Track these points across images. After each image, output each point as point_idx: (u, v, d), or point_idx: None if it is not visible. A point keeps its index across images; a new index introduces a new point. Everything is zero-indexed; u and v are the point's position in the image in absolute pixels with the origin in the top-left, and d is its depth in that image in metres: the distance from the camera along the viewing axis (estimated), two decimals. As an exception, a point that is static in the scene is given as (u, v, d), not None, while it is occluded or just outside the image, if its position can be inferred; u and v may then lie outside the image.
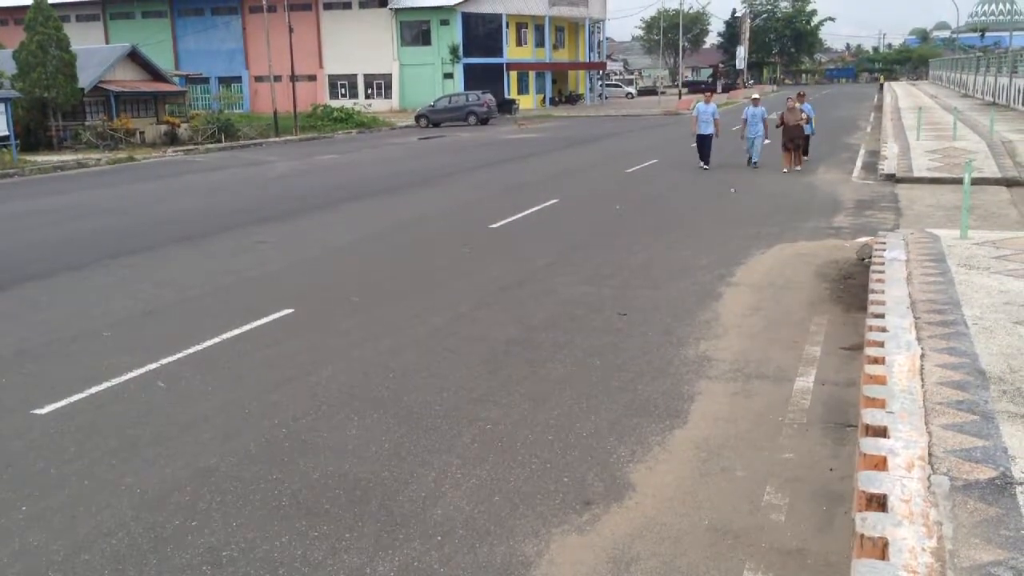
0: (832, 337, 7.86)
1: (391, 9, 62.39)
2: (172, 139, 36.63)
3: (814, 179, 19.02)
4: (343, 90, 63.76)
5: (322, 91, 62.51)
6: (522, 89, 66.88)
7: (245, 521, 4.92)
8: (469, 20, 61.89)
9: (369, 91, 63.93)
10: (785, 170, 19.94)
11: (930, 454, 4.39)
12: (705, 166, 21.28)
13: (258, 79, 63.22)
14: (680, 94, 71.46)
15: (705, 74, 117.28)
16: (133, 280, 11.24)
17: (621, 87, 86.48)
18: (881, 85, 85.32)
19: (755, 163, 21.08)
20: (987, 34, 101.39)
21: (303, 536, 4.74)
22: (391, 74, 63.57)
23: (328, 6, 63.69)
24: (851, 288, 9.42)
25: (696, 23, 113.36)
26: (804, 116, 20.42)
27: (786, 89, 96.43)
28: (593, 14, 75.92)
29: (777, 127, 20.83)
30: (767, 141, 21.57)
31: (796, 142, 20.21)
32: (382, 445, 5.86)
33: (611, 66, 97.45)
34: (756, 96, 22.29)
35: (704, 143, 21.54)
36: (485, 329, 8.47)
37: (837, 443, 5.69)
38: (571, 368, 7.29)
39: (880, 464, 4.29)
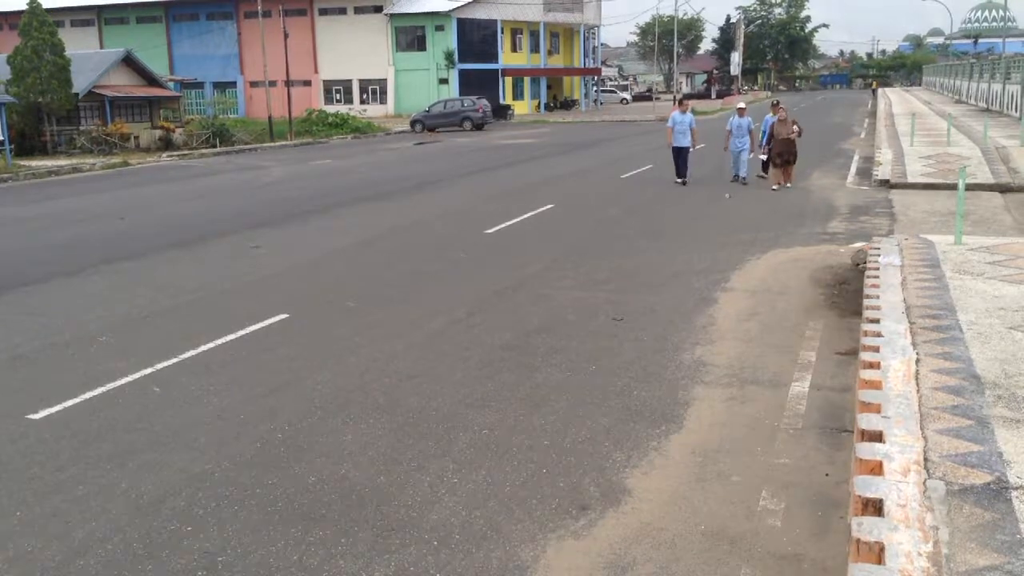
0: (827, 342, 7.87)
1: (386, 15, 62.44)
2: (167, 144, 36.59)
3: (808, 185, 19.06)
4: (338, 95, 63.77)
5: (317, 96, 62.49)
6: (517, 94, 67.00)
7: (241, 526, 4.91)
8: (464, 26, 61.98)
9: (364, 96, 63.95)
10: (775, 187, 18.26)
11: (926, 459, 4.40)
12: (681, 181, 19.53)
13: (253, 84, 63.19)
14: (675, 100, 71.59)
15: (699, 80, 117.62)
16: (128, 285, 11.22)
17: (616, 92, 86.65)
18: (874, 90, 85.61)
19: (743, 178, 19.32)
20: (980, 40, 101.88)
21: (299, 541, 4.73)
22: (386, 79, 63.60)
23: (323, 11, 63.72)
24: (846, 293, 9.44)
25: (691, 29, 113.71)
26: (796, 129, 18.44)
27: (781, 95, 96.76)
28: (588, 20, 76.07)
29: (763, 152, 19.05)
30: (752, 155, 19.58)
31: (786, 157, 18.33)
32: (378, 450, 5.85)
33: (606, 72, 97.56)
34: (742, 105, 20.39)
35: (681, 156, 19.61)
36: (481, 334, 8.47)
37: (833, 448, 5.69)
38: (567, 373, 7.29)
39: (876, 469, 4.30)
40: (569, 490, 5.22)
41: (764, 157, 19.13)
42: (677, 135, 19.50)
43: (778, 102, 19.60)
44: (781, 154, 18.29)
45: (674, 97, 75.56)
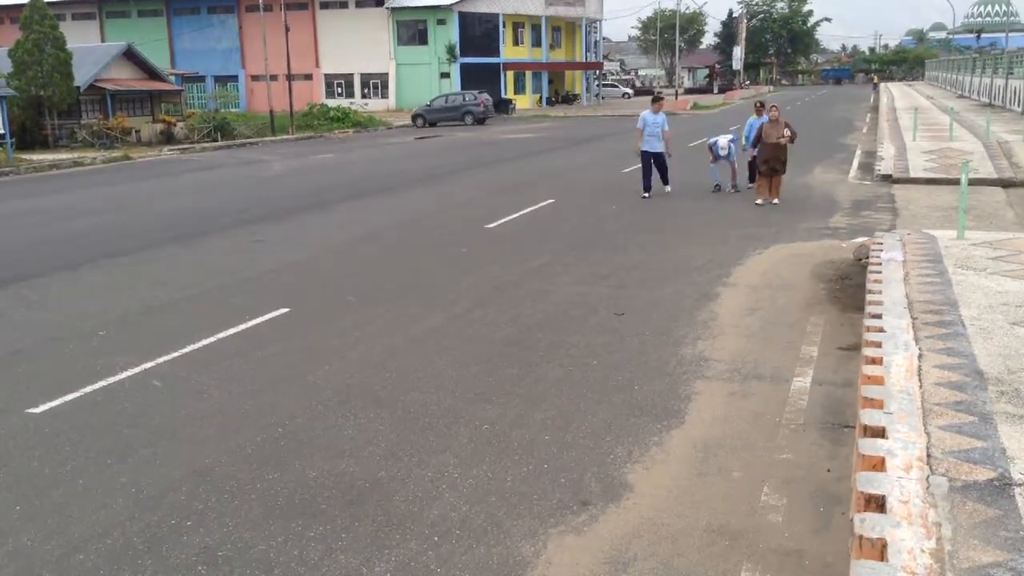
0: (829, 337, 7.85)
1: (388, 8, 62.35)
2: (168, 138, 36.58)
3: (810, 179, 19.02)
4: (339, 89, 63.72)
5: (318, 90, 62.45)
6: (518, 89, 66.93)
7: (241, 521, 4.90)
8: (466, 20, 61.89)
9: (365, 90, 63.90)
10: (759, 201, 15.59)
11: (928, 455, 4.38)
12: (647, 195, 16.81)
13: (254, 78, 63.17)
14: (676, 94, 71.48)
15: (702, 75, 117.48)
16: (128, 279, 11.21)
17: (617, 87, 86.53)
18: (875, 84, 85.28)
19: (728, 188, 17.28)
20: (983, 35, 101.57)
21: (299, 536, 4.72)
22: (387, 73, 63.55)
23: (324, 5, 63.62)
24: (848, 289, 9.42)
25: (693, 23, 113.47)
26: (788, 133, 15.51)
27: (783, 90, 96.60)
28: (590, 14, 75.96)
29: (749, 155, 16.80)
30: (746, 153, 17.18)
31: (773, 165, 15.48)
32: (379, 445, 5.84)
33: (608, 66, 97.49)
34: (729, 137, 17.21)
35: (650, 164, 16.92)
36: (481, 329, 8.45)
37: (834, 444, 5.68)
38: (568, 368, 7.27)
39: (878, 465, 4.28)
40: (570, 485, 5.21)
41: (749, 158, 16.87)
42: (649, 139, 16.90)
43: (763, 103, 17.20)
44: (768, 161, 15.52)
45: (675, 93, 75.40)
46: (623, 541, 4.59)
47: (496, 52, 63.92)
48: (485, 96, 48.58)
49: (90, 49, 38.24)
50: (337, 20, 63.46)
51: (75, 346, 8.29)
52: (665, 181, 17.30)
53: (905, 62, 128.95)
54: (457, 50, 61.06)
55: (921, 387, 5.29)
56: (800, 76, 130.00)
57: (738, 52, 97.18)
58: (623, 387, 6.79)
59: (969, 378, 5.46)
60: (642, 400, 6.51)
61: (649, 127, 16.96)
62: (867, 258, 9.44)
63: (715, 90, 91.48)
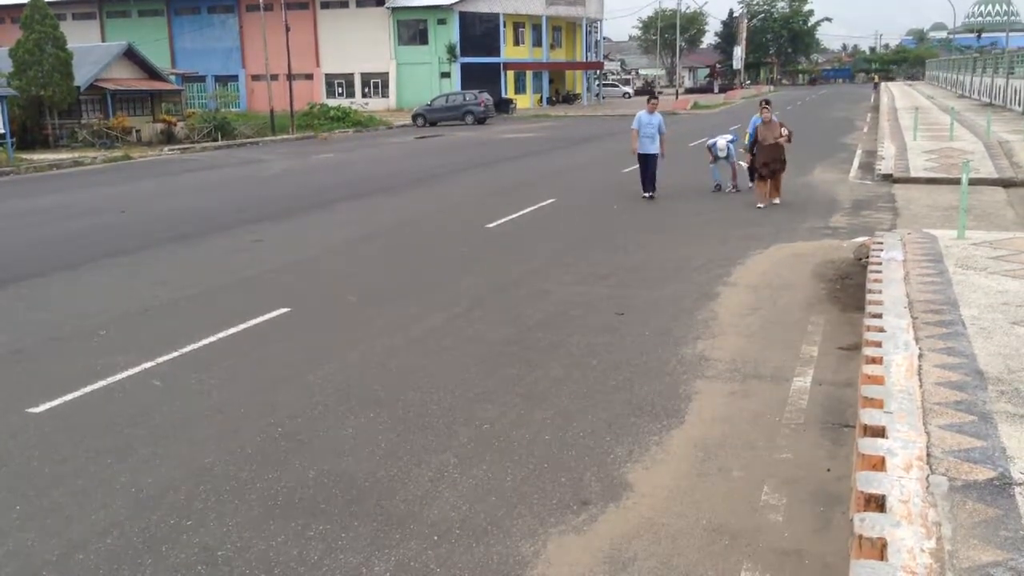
0: (829, 337, 7.85)
1: (388, 8, 62.37)
2: (168, 138, 36.59)
3: (811, 179, 19.02)
4: (340, 89, 63.75)
5: (319, 90, 62.47)
6: (519, 89, 66.94)
7: (241, 520, 4.90)
8: (466, 19, 61.90)
9: (366, 90, 63.93)
10: (760, 205, 15.21)
11: (928, 454, 4.38)
12: (647, 195, 16.71)
13: (255, 78, 63.21)
14: (677, 94, 71.50)
15: (702, 74, 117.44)
16: (129, 279, 11.21)
17: (618, 87, 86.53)
18: (875, 84, 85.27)
19: (728, 187, 17.24)
20: (984, 35, 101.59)
21: (299, 536, 4.72)
22: (388, 73, 63.57)
23: (325, 5, 63.67)
24: (848, 288, 9.41)
25: (693, 23, 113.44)
26: (785, 133, 15.30)
27: (784, 90, 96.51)
28: (590, 14, 75.97)
29: (746, 160, 16.26)
30: (738, 159, 17.08)
31: (773, 167, 15.23)
32: (378, 444, 5.84)
33: (608, 66, 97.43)
34: (726, 137, 17.24)
35: (648, 165, 16.69)
36: (482, 329, 8.45)
37: (834, 443, 5.67)
38: (568, 368, 7.27)
39: (878, 464, 4.28)
40: (570, 485, 5.21)
41: (746, 164, 16.33)
42: (643, 140, 16.53)
43: (768, 101, 16.15)
44: (767, 163, 15.21)
45: (676, 92, 75.36)
46: (623, 540, 4.59)
47: (496, 52, 63.90)
48: (485, 96, 48.60)
49: (90, 49, 38.26)
50: (337, 20, 63.48)
51: (75, 346, 8.29)
52: (652, 188, 16.78)
53: (906, 62, 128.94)
54: (457, 50, 61.08)
55: (921, 386, 5.29)
56: (800, 76, 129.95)
57: (739, 52, 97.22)
58: (623, 386, 6.79)
59: (969, 378, 5.46)
60: (642, 400, 6.51)
61: (644, 128, 16.58)
62: (867, 258, 9.44)
63: (716, 90, 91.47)
